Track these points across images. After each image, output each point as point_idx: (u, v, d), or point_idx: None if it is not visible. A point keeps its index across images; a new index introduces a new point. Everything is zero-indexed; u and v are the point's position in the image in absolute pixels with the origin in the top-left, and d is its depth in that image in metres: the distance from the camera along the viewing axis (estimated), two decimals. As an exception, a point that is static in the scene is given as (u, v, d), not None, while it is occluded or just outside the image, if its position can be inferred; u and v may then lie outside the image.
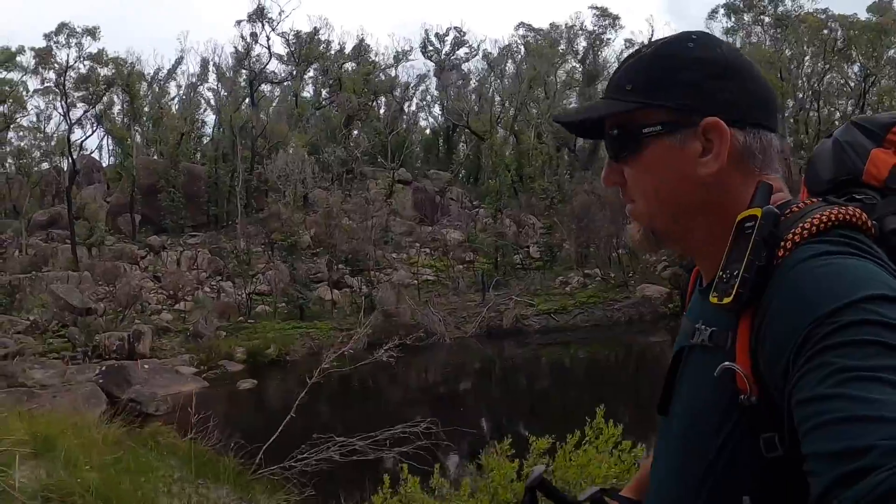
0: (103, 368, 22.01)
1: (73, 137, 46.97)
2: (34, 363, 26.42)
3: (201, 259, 42.48)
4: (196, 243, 44.94)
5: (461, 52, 65.15)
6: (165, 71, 58.89)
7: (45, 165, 56.10)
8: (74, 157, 45.44)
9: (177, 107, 60.95)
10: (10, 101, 48.32)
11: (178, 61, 64.25)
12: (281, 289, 34.72)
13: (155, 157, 54.00)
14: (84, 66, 45.43)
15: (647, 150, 1.17)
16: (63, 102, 45.20)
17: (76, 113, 46.76)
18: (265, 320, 35.16)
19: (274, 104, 62.25)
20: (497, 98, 62.54)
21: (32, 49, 45.78)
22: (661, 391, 1.27)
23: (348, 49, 62.13)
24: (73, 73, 45.83)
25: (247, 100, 54.39)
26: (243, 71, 54.99)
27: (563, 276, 41.77)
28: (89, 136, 48.76)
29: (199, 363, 28.28)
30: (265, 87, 59.50)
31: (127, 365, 23.05)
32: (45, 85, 47.23)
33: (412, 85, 66.02)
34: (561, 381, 27.47)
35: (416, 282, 40.91)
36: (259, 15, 50.75)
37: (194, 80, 59.87)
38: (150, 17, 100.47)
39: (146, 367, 22.97)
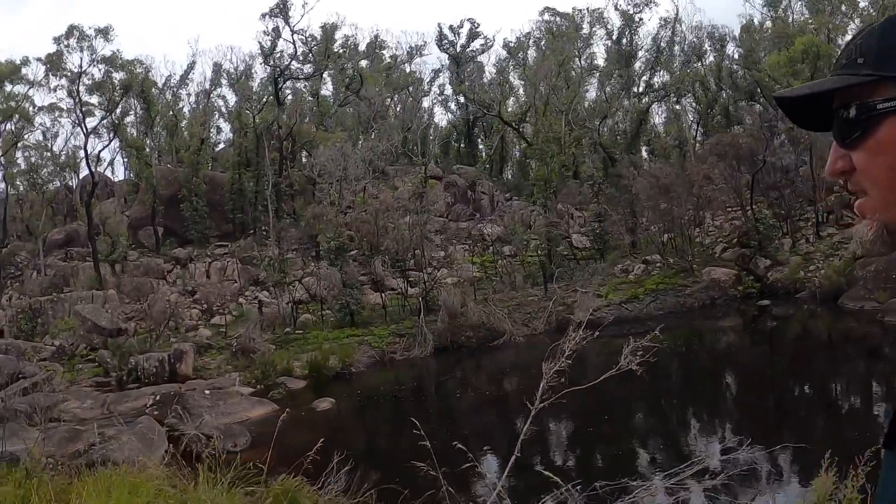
0: (156, 397, 18.57)
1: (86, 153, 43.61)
2: (66, 393, 23.07)
3: (231, 269, 39.17)
4: (224, 253, 41.65)
5: (476, 43, 63.02)
6: (177, 78, 56.20)
7: (53, 185, 53.20)
8: (92, 168, 42.04)
9: (189, 114, 58.24)
10: (17, 117, 45.34)
11: (191, 66, 61.62)
12: (334, 294, 31.27)
13: (169, 166, 50.82)
14: (98, 70, 42.25)
15: (881, 129, 0.99)
16: (78, 110, 41.89)
17: (89, 125, 43.52)
18: (314, 330, 31.77)
19: (287, 104, 59.28)
20: (519, 85, 60.47)
21: (39, 59, 42.80)
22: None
23: (363, 46, 59.63)
24: (86, 80, 42.63)
25: (264, 100, 51.00)
26: (261, 70, 52.00)
27: (620, 265, 38.50)
28: (107, 145, 45.47)
29: (255, 381, 24.88)
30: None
31: (182, 390, 19.59)
32: (55, 93, 44.09)
33: (427, 80, 64.27)
34: (706, 374, 23.99)
35: (463, 280, 37.52)
36: (281, 10, 47.38)
37: (208, 85, 57.36)
38: (159, 23, 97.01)
39: (207, 392, 19.53)
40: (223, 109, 59.74)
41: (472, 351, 29.25)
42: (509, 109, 57.98)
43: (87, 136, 42.32)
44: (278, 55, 48.97)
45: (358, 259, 36.56)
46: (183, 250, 41.38)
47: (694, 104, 56.13)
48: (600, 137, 52.14)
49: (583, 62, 58.54)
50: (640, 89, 55.82)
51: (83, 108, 41.85)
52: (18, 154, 49.34)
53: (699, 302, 33.62)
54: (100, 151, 45.45)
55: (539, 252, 40.20)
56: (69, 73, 41.38)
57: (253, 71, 54.93)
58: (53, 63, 40.92)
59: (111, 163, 59.23)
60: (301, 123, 50.80)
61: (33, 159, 49.36)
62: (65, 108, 47.33)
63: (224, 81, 57.37)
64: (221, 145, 59.11)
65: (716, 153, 38.04)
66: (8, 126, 46.03)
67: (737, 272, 34.26)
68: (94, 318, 30.21)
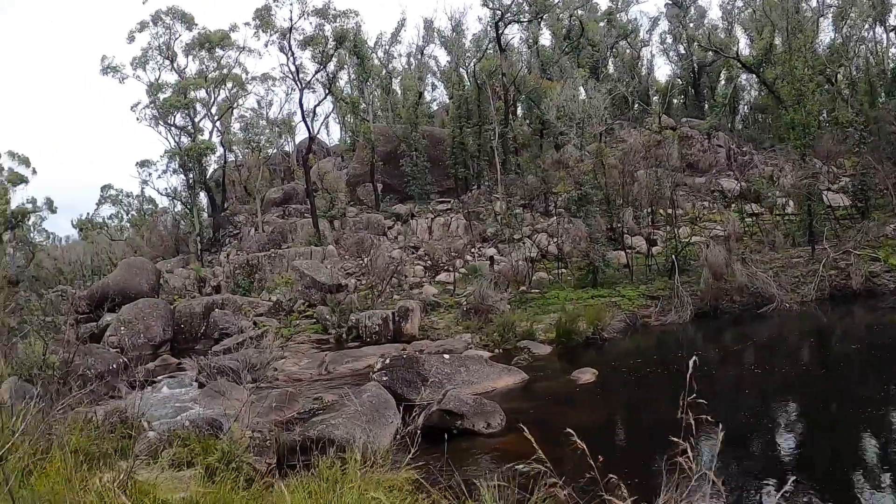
0: (385, 360, 14.58)
1: (301, 107, 41.58)
2: (281, 350, 19.95)
3: (456, 225, 35.35)
4: (447, 209, 38.01)
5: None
6: (388, 36, 54.02)
7: (270, 151, 52.54)
8: (309, 123, 39.92)
9: (402, 71, 55.91)
10: (231, 83, 44.37)
11: (401, 24, 59.50)
12: (581, 249, 26.39)
13: (385, 124, 48.28)
14: (310, 23, 39.87)
15: None
16: (290, 64, 39.88)
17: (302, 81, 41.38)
18: (552, 289, 27.10)
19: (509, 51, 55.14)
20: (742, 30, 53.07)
21: (247, 24, 41.25)
22: None
23: (579, -8, 53.85)
24: (297, 35, 40.46)
25: (484, 47, 46.83)
26: (473, 26, 48.31)
27: (893, 224, 30.45)
28: (322, 100, 43.35)
29: (491, 345, 20.58)
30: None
31: (409, 351, 15.49)
32: (267, 48, 42.52)
33: (646, 30, 57.93)
34: None
35: (727, 236, 31.16)
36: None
37: (420, 41, 54.92)
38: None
39: (445, 357, 15.29)
40: (435, 69, 57.42)
41: (736, 318, 23.34)
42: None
43: (301, 90, 40.26)
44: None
45: (598, 212, 31.43)
46: (403, 206, 38.30)
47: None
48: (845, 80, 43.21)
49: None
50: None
51: (296, 63, 39.68)
52: (235, 124, 48.79)
53: None
54: (315, 107, 43.44)
55: (796, 209, 33.06)
56: (279, 29, 39.28)
57: (464, 28, 51.67)
58: (263, 18, 38.93)
59: (325, 123, 58.13)
60: (524, 72, 46.21)
61: (249, 126, 48.40)
62: (277, 76, 46.14)
63: (436, 40, 54.52)
64: (434, 107, 56.41)
65: None
66: (222, 93, 45.32)
67: None
68: (312, 274, 27.38)
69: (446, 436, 9.05)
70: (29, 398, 10.84)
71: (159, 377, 19.06)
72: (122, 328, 24.58)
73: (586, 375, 16.24)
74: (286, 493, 5.57)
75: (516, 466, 5.00)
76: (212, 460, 8.17)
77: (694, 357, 4.45)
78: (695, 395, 4.32)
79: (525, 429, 5.37)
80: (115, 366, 17.72)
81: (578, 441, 4.68)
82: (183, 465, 9.30)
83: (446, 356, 15.44)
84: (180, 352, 23.12)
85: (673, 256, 26.68)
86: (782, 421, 12.52)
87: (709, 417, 4.36)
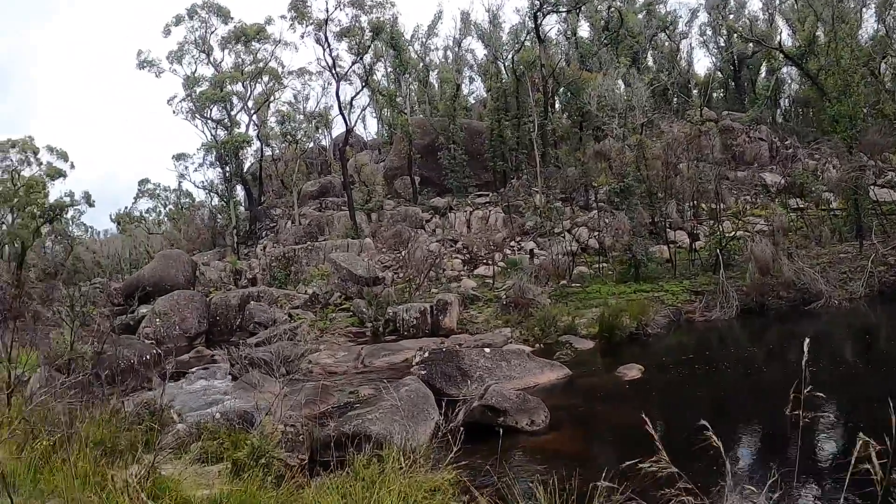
0: (423, 353, 14.01)
1: (338, 97, 41.12)
2: (317, 343, 19.47)
3: (494, 218, 34.66)
4: (486, 202, 37.34)
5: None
6: (425, 29, 53.42)
7: (307, 145, 52.27)
8: (345, 115, 39.48)
9: (440, 64, 55.33)
10: (268, 77, 44.11)
11: (438, 17, 58.89)
12: (623, 242, 25.57)
13: (422, 117, 47.72)
14: (346, 14, 39.40)
15: None
16: (326, 55, 39.48)
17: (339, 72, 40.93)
18: (593, 283, 26.31)
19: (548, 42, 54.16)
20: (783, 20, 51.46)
21: (282, 17, 41.03)
22: None
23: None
24: (333, 26, 40.02)
25: (522, 38, 46.00)
26: (510, 18, 47.48)
27: None
28: (358, 91, 42.84)
29: (532, 339, 19.89)
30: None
31: (447, 345, 14.86)
32: (303, 40, 42.10)
33: (684, 21, 56.05)
34: None
35: (774, 230, 30.13)
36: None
37: (457, 34, 54.18)
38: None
39: (486, 350, 14.64)
40: (472, 62, 56.76)
41: (783, 315, 22.30)
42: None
43: (338, 81, 39.81)
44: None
45: (640, 205, 30.51)
46: (441, 199, 37.68)
47: None
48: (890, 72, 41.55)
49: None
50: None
51: (332, 54, 39.23)
52: (271, 118, 48.52)
53: None
54: (352, 98, 42.90)
55: (842, 203, 31.88)
56: (315, 20, 38.86)
57: (501, 20, 50.86)
58: (298, 10, 38.54)
59: (362, 117, 57.72)
60: (562, 64, 45.34)
61: (285, 119, 48.06)
62: (314, 70, 45.82)
63: (473, 33, 53.82)
64: (472, 101, 55.76)
65: None
66: (259, 87, 45.11)
67: None
68: (349, 266, 26.90)
69: (499, 432, 8.43)
70: (57, 388, 10.45)
71: (193, 369, 18.72)
72: (157, 320, 24.34)
73: (632, 372, 15.48)
74: (316, 495, 4.98)
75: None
76: (240, 455, 7.63)
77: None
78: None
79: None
80: (148, 357, 17.36)
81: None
82: (211, 460, 8.80)
83: (487, 350, 14.79)
84: (215, 344, 22.77)
85: (718, 251, 25.74)
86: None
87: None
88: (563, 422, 11.87)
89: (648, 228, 28.78)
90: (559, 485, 5.73)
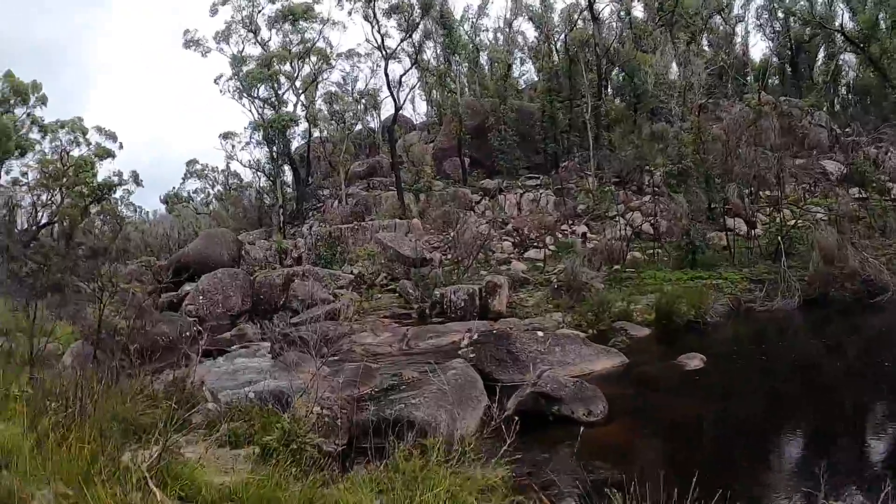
0: (472, 335, 13.17)
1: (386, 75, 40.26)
2: (361, 323, 18.80)
3: (545, 201, 33.57)
4: (536, 185, 36.27)
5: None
6: (475, 9, 52.31)
7: (356, 128, 51.60)
8: (394, 93, 38.66)
9: (490, 45, 54.15)
10: (316, 58, 43.36)
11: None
12: (681, 227, 24.38)
13: (472, 98, 46.66)
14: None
15: None
16: (374, 32, 38.69)
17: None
18: (647, 269, 25.17)
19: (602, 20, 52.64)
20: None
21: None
22: None
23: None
24: (382, 3, 39.15)
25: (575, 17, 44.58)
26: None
27: None
28: (407, 70, 41.89)
29: (585, 325, 18.89)
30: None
31: (506, 330, 13.93)
32: (350, 16, 41.34)
33: (741, 3, 53.52)
34: None
35: (839, 217, 28.59)
36: None
37: (508, 14, 52.85)
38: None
39: (539, 333, 13.69)
40: (522, 44, 55.37)
41: (847, 307, 20.91)
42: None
43: (386, 58, 38.99)
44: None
45: (699, 189, 29.16)
46: (491, 181, 36.70)
47: None
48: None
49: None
50: None
51: (381, 31, 38.39)
52: (319, 100, 47.78)
53: None
54: (401, 76, 41.90)
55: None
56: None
57: (552, 1, 49.39)
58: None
59: (410, 98, 56.80)
60: (616, 44, 43.85)
61: (333, 99, 47.32)
62: (362, 52, 44.95)
63: (524, 13, 52.43)
64: (522, 85, 54.49)
65: None
66: (306, 68, 44.42)
67: None
68: (396, 247, 26.18)
69: (552, 421, 7.55)
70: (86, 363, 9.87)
71: (233, 347, 18.20)
72: (201, 297, 23.94)
73: (694, 361, 14.43)
74: (348, 490, 4.14)
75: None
76: (270, 440, 6.85)
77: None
78: None
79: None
80: (188, 334, 16.78)
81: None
82: (240, 443, 8.07)
83: (540, 333, 13.87)
84: (258, 323, 22.26)
85: (779, 238, 24.39)
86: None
87: None
88: (621, 413, 10.92)
89: (706, 214, 27.49)
90: (633, 488, 4.85)
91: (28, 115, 40.48)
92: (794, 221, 27.16)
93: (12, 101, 39.12)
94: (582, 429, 10.02)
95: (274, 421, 8.06)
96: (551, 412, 9.88)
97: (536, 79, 49.33)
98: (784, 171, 31.61)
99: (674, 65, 38.27)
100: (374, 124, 54.85)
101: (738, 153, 29.12)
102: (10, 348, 12.50)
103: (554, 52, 45.19)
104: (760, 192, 30.29)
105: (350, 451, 9.01)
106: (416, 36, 40.64)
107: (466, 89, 50.20)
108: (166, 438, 5.53)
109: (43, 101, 40.35)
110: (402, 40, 39.30)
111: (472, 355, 12.72)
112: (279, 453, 6.66)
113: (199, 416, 9.28)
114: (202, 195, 56.11)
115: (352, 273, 25.71)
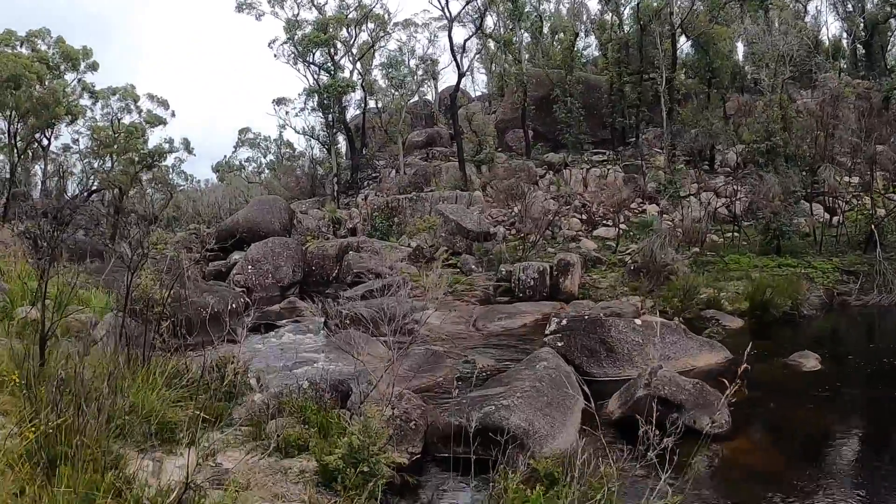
0: (561, 321, 11.34)
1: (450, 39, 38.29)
2: (423, 300, 17.11)
3: (613, 178, 31.44)
4: (603, 160, 34.14)
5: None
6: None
7: (412, 100, 49.82)
8: (458, 58, 36.72)
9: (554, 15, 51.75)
10: (373, 24, 41.68)
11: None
12: (773, 208, 22.15)
13: (536, 68, 44.47)
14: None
15: None
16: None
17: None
18: (728, 252, 23.05)
19: None
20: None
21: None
22: None
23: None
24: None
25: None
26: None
27: None
28: (472, 34, 39.86)
29: (670, 311, 16.91)
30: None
31: (598, 316, 12.03)
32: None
33: None
34: None
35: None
36: None
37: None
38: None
39: (637, 321, 11.78)
40: (585, 17, 52.82)
41: None
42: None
43: (450, 21, 37.03)
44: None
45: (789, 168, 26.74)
46: (556, 155, 34.68)
47: None
48: None
49: None
50: None
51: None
52: (375, 70, 46.11)
53: None
54: (465, 41, 39.79)
55: None
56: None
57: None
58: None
59: (470, 70, 54.53)
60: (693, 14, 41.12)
61: (391, 64, 45.51)
62: (420, 22, 43.13)
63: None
64: (584, 59, 52.05)
65: None
66: (363, 35, 42.78)
67: None
68: (458, 219, 24.44)
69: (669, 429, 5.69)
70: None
71: (283, 321, 16.70)
72: (250, 267, 22.55)
73: (809, 361, 12.35)
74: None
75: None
76: (332, 460, 5.12)
77: None
78: None
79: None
80: (235, 306, 15.27)
81: None
82: (291, 449, 6.38)
83: (637, 321, 11.93)
84: (310, 295, 20.77)
85: (871, 226, 21.99)
86: None
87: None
88: (745, 422, 8.98)
89: (795, 196, 25.13)
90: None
91: (79, 80, 39.55)
92: (887, 209, 24.68)
93: (62, 67, 38.17)
94: (704, 442, 8.23)
95: (336, 424, 6.38)
96: (671, 421, 8.01)
97: (598, 53, 47.02)
98: (876, 155, 29.01)
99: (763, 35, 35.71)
100: (430, 96, 53.08)
101: (833, 133, 26.62)
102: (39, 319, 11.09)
103: (623, 23, 42.73)
104: (848, 178, 27.79)
105: (425, 460, 7.31)
106: (480, 1, 38.64)
107: (528, 63, 48.11)
108: (197, 450, 3.85)
109: (93, 67, 39.32)
110: (466, 2, 37.31)
111: (560, 344, 10.92)
112: (345, 476, 4.96)
113: (241, 408, 7.68)
114: (254, 164, 55.14)
115: (409, 246, 24.08)
